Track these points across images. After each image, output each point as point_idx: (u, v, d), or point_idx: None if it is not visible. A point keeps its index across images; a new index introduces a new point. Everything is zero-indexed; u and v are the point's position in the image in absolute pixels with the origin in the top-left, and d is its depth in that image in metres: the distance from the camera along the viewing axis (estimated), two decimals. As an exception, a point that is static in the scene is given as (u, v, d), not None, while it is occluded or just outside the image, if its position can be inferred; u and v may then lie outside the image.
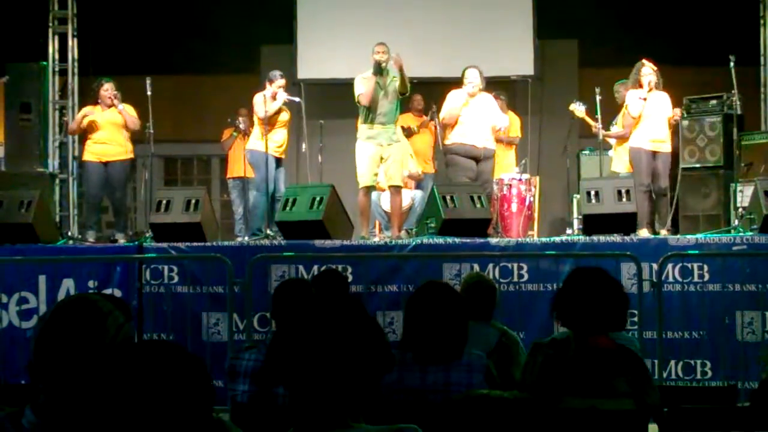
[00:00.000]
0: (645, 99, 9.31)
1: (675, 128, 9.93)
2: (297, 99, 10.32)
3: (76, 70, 12.64)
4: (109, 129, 9.88)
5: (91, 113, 9.92)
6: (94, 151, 9.91)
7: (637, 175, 9.36)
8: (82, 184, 11.31)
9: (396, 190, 9.53)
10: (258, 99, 10.11)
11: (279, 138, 10.20)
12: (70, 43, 12.65)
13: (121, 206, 10.14)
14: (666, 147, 9.52)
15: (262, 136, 10.00)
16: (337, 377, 2.16)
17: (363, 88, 9.29)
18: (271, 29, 13.42)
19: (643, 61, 9.53)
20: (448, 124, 9.81)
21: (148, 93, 9.89)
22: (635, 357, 3.82)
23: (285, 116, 10.30)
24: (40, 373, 2.36)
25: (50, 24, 12.65)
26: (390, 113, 9.35)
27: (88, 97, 10.47)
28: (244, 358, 4.40)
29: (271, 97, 10.06)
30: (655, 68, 9.47)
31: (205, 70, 13.48)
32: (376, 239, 9.49)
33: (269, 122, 10.02)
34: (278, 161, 10.21)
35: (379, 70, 9.28)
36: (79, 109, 11.25)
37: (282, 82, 10.22)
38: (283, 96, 10.12)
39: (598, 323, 3.66)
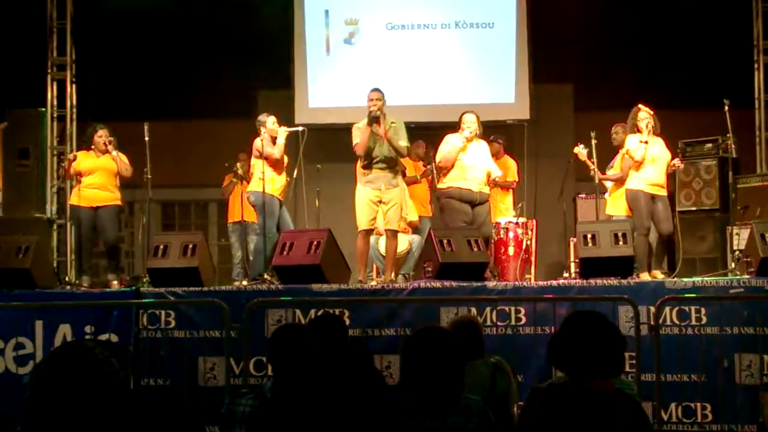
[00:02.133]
0: (646, 142, 9.35)
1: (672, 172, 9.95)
2: (299, 128, 10.19)
3: (74, 116, 12.74)
4: (101, 175, 9.91)
5: (74, 159, 9.95)
6: (85, 196, 9.89)
7: (638, 218, 9.37)
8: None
9: (392, 234, 9.54)
10: (259, 144, 10.00)
11: (280, 180, 10.17)
12: (68, 89, 12.75)
13: (113, 250, 10.11)
14: (664, 191, 9.55)
15: (260, 180, 9.94)
16: (338, 424, 2.16)
17: (358, 138, 9.35)
18: (268, 74, 13.51)
19: (639, 105, 9.58)
20: (444, 167, 9.81)
21: (146, 138, 9.92)
22: (634, 402, 3.80)
23: (284, 159, 10.28)
24: (35, 419, 2.35)
25: (49, 70, 12.76)
26: (388, 158, 9.39)
27: (81, 140, 10.52)
28: (240, 404, 4.38)
29: (270, 139, 10.02)
30: (652, 112, 9.53)
31: (202, 115, 13.55)
32: (373, 283, 9.48)
33: (277, 164, 9.98)
34: (280, 202, 10.19)
35: (373, 119, 9.32)
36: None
37: (273, 118, 10.14)
38: (284, 130, 10.08)
39: (596, 369, 3.65)
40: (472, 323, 5.70)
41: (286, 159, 10.30)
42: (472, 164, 9.73)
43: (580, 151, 10.30)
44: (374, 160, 9.38)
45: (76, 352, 2.40)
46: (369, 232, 9.56)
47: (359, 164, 9.53)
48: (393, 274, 9.59)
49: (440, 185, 9.91)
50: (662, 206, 9.47)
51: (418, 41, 13.52)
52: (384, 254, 10.12)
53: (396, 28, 13.55)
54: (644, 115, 9.48)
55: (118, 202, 10.08)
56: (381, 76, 12.50)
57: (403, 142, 9.47)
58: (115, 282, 9.67)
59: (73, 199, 10.01)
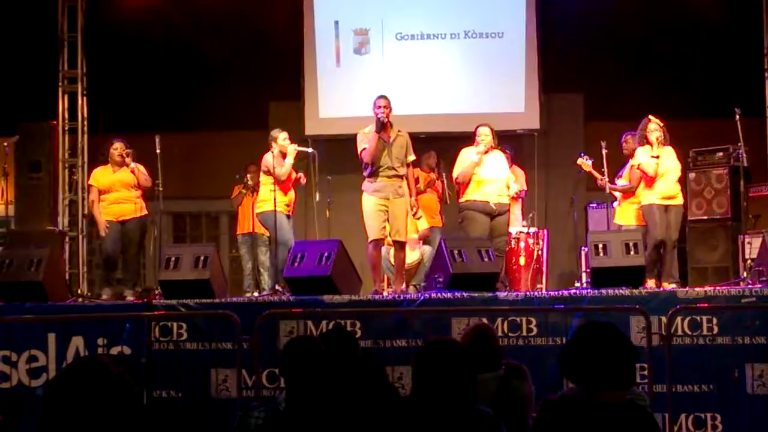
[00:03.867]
0: (658, 157, 9.36)
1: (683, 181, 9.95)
2: (309, 150, 10.23)
3: (85, 129, 12.80)
4: (121, 189, 9.96)
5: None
6: (110, 212, 9.97)
7: (653, 229, 9.39)
8: (91, 242, 11.35)
9: (399, 245, 9.49)
10: (268, 160, 9.90)
11: (286, 198, 10.13)
12: (79, 101, 12.81)
13: (134, 263, 10.16)
14: (677, 200, 9.55)
15: (269, 196, 9.86)
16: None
17: (365, 144, 9.33)
18: (279, 86, 13.54)
19: (649, 117, 9.58)
20: (462, 183, 9.78)
21: (158, 150, 9.95)
22: (645, 413, 3.80)
23: (295, 176, 10.21)
24: (49, 433, 2.37)
25: (60, 83, 12.82)
26: (395, 167, 9.34)
27: (99, 155, 10.55)
28: (253, 416, 4.39)
29: (280, 155, 9.92)
30: (662, 124, 9.52)
31: (213, 127, 13.58)
32: (385, 293, 9.48)
33: (283, 183, 9.88)
34: (288, 217, 10.17)
35: (381, 126, 9.32)
36: (89, 167, 11.37)
37: (285, 134, 10.04)
38: (293, 148, 9.97)
39: (607, 380, 3.65)
40: (486, 332, 5.66)
41: (303, 179, 10.20)
42: (488, 177, 9.72)
43: (584, 161, 10.30)
44: (381, 168, 9.32)
45: (89, 368, 2.41)
46: (380, 241, 9.51)
47: (365, 173, 9.46)
48: (404, 285, 9.57)
49: (461, 199, 9.88)
50: (674, 215, 9.48)
51: (428, 51, 13.53)
52: (393, 263, 10.12)
53: (406, 39, 13.57)
54: (654, 126, 9.48)
55: (144, 212, 10.13)
56: (391, 86, 12.49)
57: (410, 157, 9.48)
58: (131, 297, 9.68)
59: (102, 217, 10.03)
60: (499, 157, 9.95)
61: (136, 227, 10.03)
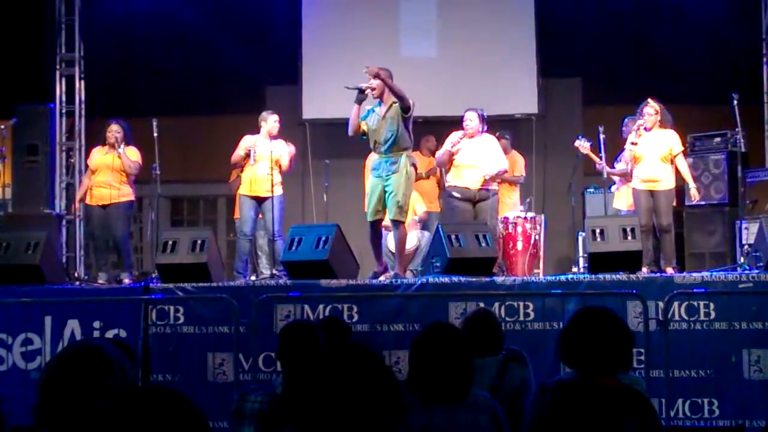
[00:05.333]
0: (635, 144, 9.41)
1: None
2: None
3: (83, 112, 12.75)
4: (105, 172, 9.88)
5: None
6: (94, 195, 9.94)
7: (638, 214, 9.41)
8: (88, 225, 11.34)
9: (395, 224, 9.15)
10: (247, 141, 10.15)
11: (250, 176, 10.16)
12: (77, 85, 12.77)
13: (124, 247, 10.09)
14: (663, 185, 9.47)
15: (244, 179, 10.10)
16: (350, 421, 2.16)
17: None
18: (276, 70, 13.50)
19: (648, 100, 9.58)
20: (440, 166, 9.83)
21: (155, 134, 9.93)
22: (642, 398, 3.80)
23: (262, 152, 10.10)
24: (45, 416, 2.37)
25: (57, 66, 12.77)
26: (389, 142, 8.98)
27: (96, 138, 10.53)
28: (249, 401, 4.40)
29: (267, 136, 10.11)
30: (658, 107, 9.50)
31: (210, 111, 13.55)
32: (382, 278, 9.47)
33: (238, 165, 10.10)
34: (252, 199, 10.16)
35: (359, 97, 9.08)
36: (86, 151, 11.36)
37: (275, 117, 10.24)
38: (250, 144, 10.13)
39: (604, 364, 3.65)
40: (488, 316, 5.67)
41: (290, 153, 10.27)
42: (468, 162, 9.74)
43: (582, 143, 10.26)
44: (377, 144, 9.08)
45: (86, 351, 2.41)
46: (376, 222, 9.39)
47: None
48: (402, 270, 9.53)
49: (447, 184, 9.91)
50: (662, 200, 9.46)
51: (426, 35, 13.47)
52: (392, 250, 10.06)
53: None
54: (649, 110, 9.48)
55: (128, 198, 9.99)
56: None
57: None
58: (128, 280, 9.67)
59: (88, 199, 10.04)
60: (486, 143, 9.92)
61: (116, 213, 9.90)
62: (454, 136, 9.85)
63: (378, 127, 9.04)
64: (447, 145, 9.83)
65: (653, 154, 9.44)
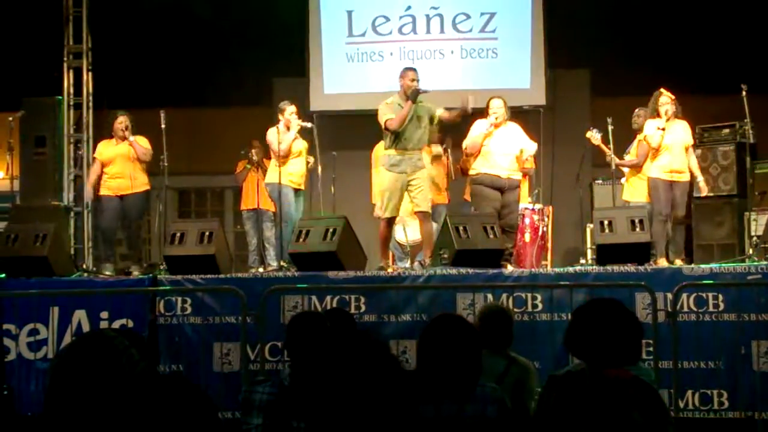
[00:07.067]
0: (663, 129, 9.32)
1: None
2: (309, 124, 10.28)
3: (90, 104, 12.75)
4: (121, 163, 9.95)
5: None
6: (110, 186, 9.99)
7: (656, 204, 9.37)
8: (96, 217, 11.35)
9: (424, 215, 9.39)
10: (272, 135, 10.16)
11: (295, 169, 10.20)
12: (84, 77, 12.76)
13: (136, 239, 10.16)
14: (684, 176, 9.52)
15: (276, 169, 10.01)
16: (358, 411, 2.16)
17: (390, 114, 9.24)
18: (284, 62, 13.48)
19: (661, 90, 9.55)
20: (471, 154, 9.76)
21: (162, 126, 9.94)
22: (650, 389, 3.79)
23: (299, 145, 10.29)
24: (55, 408, 2.37)
25: (65, 58, 12.77)
26: (417, 139, 9.32)
27: (104, 130, 10.54)
28: (258, 391, 4.39)
29: (285, 127, 10.09)
30: (673, 97, 9.49)
31: (218, 102, 13.54)
32: (390, 270, 9.46)
33: (286, 154, 10.04)
34: (297, 191, 10.23)
35: (416, 94, 9.26)
36: (94, 142, 11.37)
37: (293, 108, 10.24)
38: (296, 123, 10.14)
39: (613, 356, 3.64)
40: (508, 318, 5.63)
41: (303, 144, 10.31)
42: (498, 150, 9.67)
43: (593, 135, 10.24)
44: (405, 141, 9.26)
45: (96, 342, 2.41)
46: (393, 219, 9.46)
47: (384, 145, 9.42)
48: (409, 262, 9.52)
49: (471, 171, 9.87)
50: (679, 192, 9.46)
51: (434, 26, 13.44)
52: (400, 243, 10.11)
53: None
54: (665, 99, 9.45)
55: (145, 187, 10.09)
56: (396, 62, 12.46)
57: (438, 111, 9.51)
58: (137, 272, 9.68)
59: (102, 191, 10.05)
60: (513, 131, 9.89)
61: (135, 202, 10.00)
62: (481, 123, 9.78)
63: (411, 126, 9.28)
64: (474, 131, 9.75)
65: (679, 144, 9.43)
